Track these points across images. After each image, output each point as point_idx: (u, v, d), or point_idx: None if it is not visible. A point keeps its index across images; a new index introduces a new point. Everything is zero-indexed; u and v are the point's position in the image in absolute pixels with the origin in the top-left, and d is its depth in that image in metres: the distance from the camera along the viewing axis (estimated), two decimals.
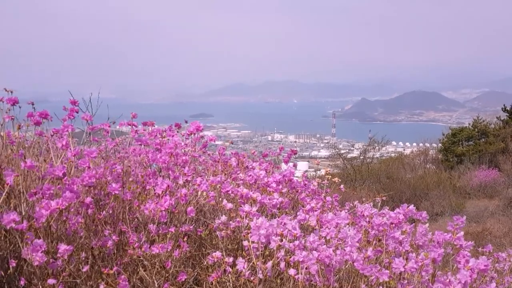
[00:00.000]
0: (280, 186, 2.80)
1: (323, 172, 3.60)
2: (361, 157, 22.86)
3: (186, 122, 4.19)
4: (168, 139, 2.80)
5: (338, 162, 23.42)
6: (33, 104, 2.67)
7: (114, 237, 2.25)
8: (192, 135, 2.89)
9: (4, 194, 1.96)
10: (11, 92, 2.58)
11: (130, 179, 2.73)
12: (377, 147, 23.34)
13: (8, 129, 2.53)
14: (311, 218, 2.14)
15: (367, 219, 2.26)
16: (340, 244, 2.03)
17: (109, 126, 3.22)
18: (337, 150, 24.58)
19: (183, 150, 2.74)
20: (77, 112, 2.76)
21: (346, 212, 2.39)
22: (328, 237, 1.90)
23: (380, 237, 2.23)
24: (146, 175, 2.69)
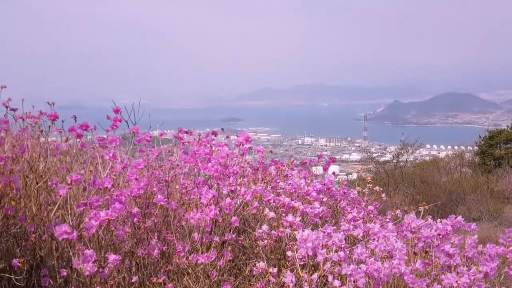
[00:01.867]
0: (321, 195, 2.78)
1: (355, 176, 3.56)
2: (394, 161, 22.45)
3: (223, 129, 4.21)
4: (217, 149, 2.82)
5: (370, 166, 23.08)
6: (75, 118, 2.73)
7: (159, 245, 2.28)
8: (241, 145, 2.90)
9: (57, 205, 2.01)
10: (53, 104, 2.66)
11: (177, 187, 2.77)
12: (410, 150, 22.88)
13: (57, 143, 2.60)
14: (358, 230, 2.11)
15: (413, 230, 2.22)
16: (386, 256, 2.00)
17: (150, 137, 3.25)
18: (369, 154, 24.21)
19: (231, 160, 2.76)
20: (120, 121, 2.81)
21: (389, 221, 2.35)
22: (377, 250, 1.87)
23: (427, 249, 2.18)
24: (195, 183, 2.72)
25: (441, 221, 2.31)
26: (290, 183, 2.72)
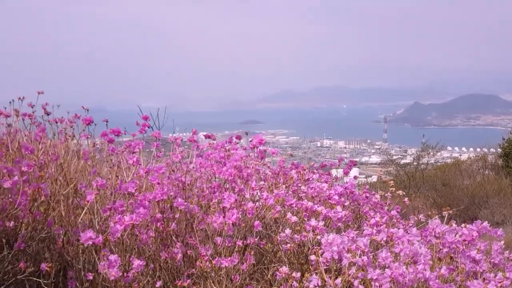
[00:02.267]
0: (343, 199, 2.78)
1: (375, 178, 3.54)
2: (414, 163, 22.16)
3: (247, 133, 4.23)
4: (232, 153, 2.84)
5: (390, 168, 22.84)
6: (107, 122, 2.78)
7: (183, 249, 2.30)
8: (255, 148, 2.91)
9: (84, 210, 2.06)
10: (87, 110, 2.72)
11: (196, 190, 2.79)
12: (431, 153, 22.56)
13: (85, 148, 2.66)
14: (381, 235, 2.10)
15: (438, 235, 2.19)
16: (410, 261, 1.98)
17: (181, 140, 3.27)
18: (389, 156, 23.95)
19: (246, 163, 2.77)
20: (149, 127, 2.87)
21: (412, 226, 2.33)
22: (401, 254, 1.86)
23: (452, 255, 2.15)
24: (211, 187, 2.74)
25: (465, 227, 2.29)
26: (312, 187, 2.72)
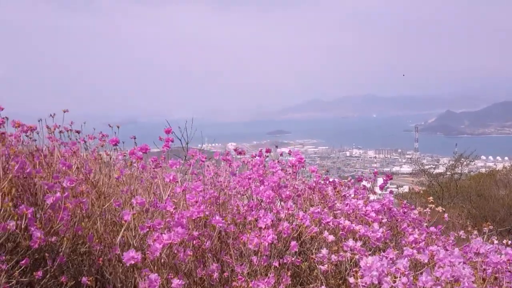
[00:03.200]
0: (380, 216, 2.72)
1: (406, 188, 3.47)
2: (447, 173, 21.62)
3: (277, 146, 4.23)
4: (271, 171, 2.83)
5: (422, 178, 22.36)
6: (135, 138, 2.83)
7: (218, 267, 2.30)
8: (293, 167, 2.89)
9: (123, 229, 2.09)
10: (118, 127, 2.77)
11: (230, 208, 2.80)
12: (465, 162, 21.98)
13: (122, 168, 2.71)
14: (423, 256, 2.05)
15: (481, 255, 2.12)
16: (452, 281, 1.92)
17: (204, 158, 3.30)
18: (420, 166, 23.44)
19: (283, 181, 2.76)
20: (172, 141, 2.89)
21: (452, 243, 2.27)
22: (443, 278, 1.80)
23: (496, 275, 2.08)
24: (248, 206, 2.73)
25: (507, 244, 2.20)
26: (347, 203, 2.68)
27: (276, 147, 4.14)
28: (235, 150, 3.45)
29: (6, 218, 2.04)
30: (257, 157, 3.29)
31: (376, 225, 2.52)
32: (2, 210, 2.04)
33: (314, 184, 2.97)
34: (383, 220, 2.66)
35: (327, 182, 3.15)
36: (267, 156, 3.45)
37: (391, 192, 3.20)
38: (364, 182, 3.74)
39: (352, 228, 2.37)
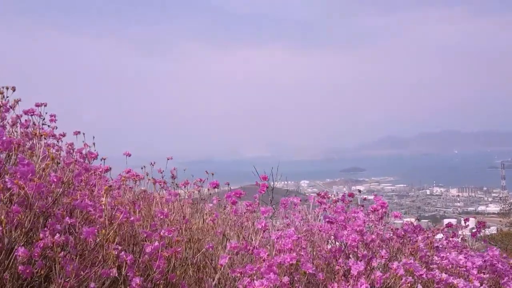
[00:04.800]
0: (482, 274, 2.57)
1: (494, 230, 3.23)
2: None
3: (360, 191, 4.19)
4: (353, 216, 2.81)
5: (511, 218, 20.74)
6: (228, 184, 2.95)
7: None
8: (376, 212, 2.85)
9: (217, 276, 2.15)
10: (212, 174, 2.91)
11: (314, 253, 2.79)
12: None
13: (216, 212, 2.83)
14: None
15: None
16: None
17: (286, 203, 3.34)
18: (509, 205, 21.77)
19: (369, 227, 2.72)
20: (267, 187, 2.97)
21: None
22: None
23: None
24: (332, 252, 2.72)
25: None
26: (444, 256, 2.57)
27: (360, 192, 4.09)
28: (318, 194, 3.46)
29: (110, 264, 2.19)
30: (339, 201, 3.28)
31: (477, 283, 2.39)
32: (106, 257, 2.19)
33: (403, 232, 2.88)
34: (484, 276, 2.51)
35: (417, 229, 3.05)
36: (351, 201, 3.42)
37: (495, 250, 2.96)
38: (454, 229, 3.57)
39: (449, 281, 2.26)
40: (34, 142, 2.54)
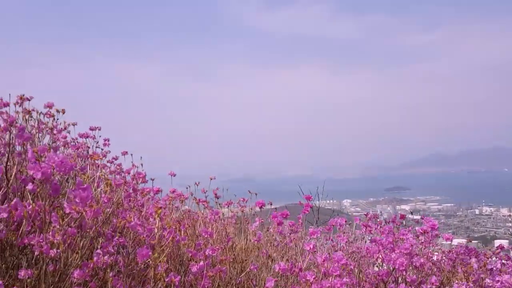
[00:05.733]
0: None
1: None
2: None
3: (412, 213, 4.08)
4: (402, 238, 2.74)
5: None
6: (271, 204, 2.95)
7: None
8: (425, 234, 2.76)
9: None
10: (256, 194, 2.92)
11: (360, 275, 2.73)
12: None
13: (260, 232, 2.84)
14: None
15: None
16: None
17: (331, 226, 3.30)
18: None
19: (419, 250, 2.64)
20: (311, 207, 2.96)
21: None
22: None
23: None
24: (380, 275, 2.65)
25: None
26: (498, 280, 2.45)
27: (404, 216, 3.98)
28: (366, 215, 3.39)
29: (158, 284, 2.21)
30: (390, 223, 3.21)
31: None
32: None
33: (455, 255, 2.78)
34: None
35: (471, 252, 2.92)
36: (402, 223, 3.33)
37: None
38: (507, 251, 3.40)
39: None
40: (87, 163, 2.64)
